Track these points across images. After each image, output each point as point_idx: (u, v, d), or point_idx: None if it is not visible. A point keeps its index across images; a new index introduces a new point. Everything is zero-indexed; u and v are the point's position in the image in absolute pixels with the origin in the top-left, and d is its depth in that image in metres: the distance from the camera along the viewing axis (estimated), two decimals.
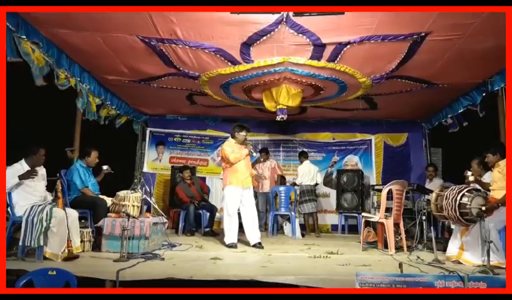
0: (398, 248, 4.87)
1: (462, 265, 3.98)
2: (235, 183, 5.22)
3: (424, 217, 4.57)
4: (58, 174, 4.28)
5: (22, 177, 3.97)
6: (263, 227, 6.82)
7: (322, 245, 5.42)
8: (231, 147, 5.33)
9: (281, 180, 7.51)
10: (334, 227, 7.68)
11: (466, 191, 3.93)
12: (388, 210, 5.07)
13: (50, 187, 4.27)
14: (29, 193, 4.08)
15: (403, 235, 4.95)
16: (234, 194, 5.22)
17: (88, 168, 5.19)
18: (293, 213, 6.60)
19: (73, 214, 4.12)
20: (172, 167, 7.95)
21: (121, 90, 6.40)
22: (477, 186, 4.40)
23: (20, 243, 3.70)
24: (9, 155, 3.55)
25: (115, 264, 3.66)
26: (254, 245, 5.10)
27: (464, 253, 4.11)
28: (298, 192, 6.88)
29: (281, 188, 6.91)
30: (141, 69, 5.29)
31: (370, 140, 8.23)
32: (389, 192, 5.05)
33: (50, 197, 4.21)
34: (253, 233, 5.20)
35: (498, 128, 5.28)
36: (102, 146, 5.41)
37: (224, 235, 5.23)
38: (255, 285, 3.07)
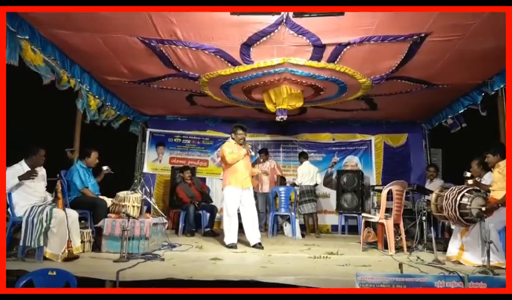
0: (398, 248, 4.87)
1: (462, 265, 3.98)
2: (234, 183, 5.22)
3: (424, 218, 4.57)
4: (58, 175, 4.28)
5: (22, 177, 3.97)
6: (263, 227, 6.82)
7: (322, 245, 5.42)
8: (230, 148, 5.34)
9: (281, 180, 7.51)
10: (334, 228, 7.69)
11: (466, 192, 3.93)
12: (388, 210, 5.08)
13: (50, 188, 4.26)
14: (29, 193, 4.08)
15: (403, 236, 4.95)
16: (233, 194, 5.22)
17: (89, 169, 5.19)
18: (293, 213, 6.60)
19: (73, 214, 4.13)
20: (172, 167, 7.96)
21: (121, 91, 6.41)
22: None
23: (21, 243, 3.70)
24: (9, 156, 3.54)
25: (115, 264, 3.66)
26: (254, 246, 5.10)
27: (464, 253, 4.11)
28: (297, 193, 6.88)
29: (281, 188, 6.91)
30: (141, 69, 5.30)
31: (370, 140, 8.23)
32: (389, 193, 5.05)
33: (50, 198, 4.21)
34: (253, 233, 5.20)
35: (498, 128, 5.28)
36: (102, 147, 5.40)
37: (224, 235, 5.23)
38: (255, 286, 3.07)
